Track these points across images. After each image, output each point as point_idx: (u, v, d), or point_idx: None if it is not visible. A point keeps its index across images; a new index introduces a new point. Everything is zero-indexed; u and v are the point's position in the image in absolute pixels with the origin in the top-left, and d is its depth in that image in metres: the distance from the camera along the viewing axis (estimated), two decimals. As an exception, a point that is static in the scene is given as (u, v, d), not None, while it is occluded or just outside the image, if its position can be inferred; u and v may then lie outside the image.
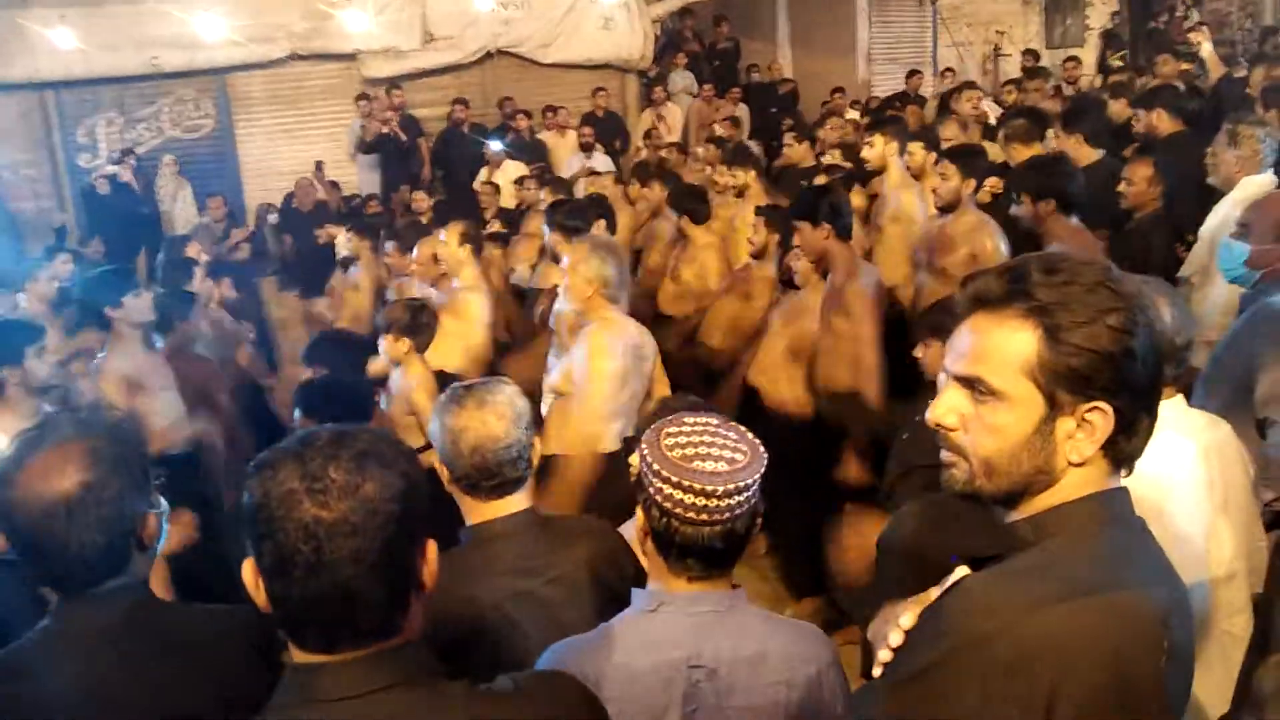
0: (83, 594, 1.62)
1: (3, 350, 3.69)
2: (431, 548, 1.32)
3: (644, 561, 1.97)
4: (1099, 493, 1.29)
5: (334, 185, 10.63)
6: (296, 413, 3.39)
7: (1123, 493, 1.32)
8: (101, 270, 4.59)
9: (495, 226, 7.65)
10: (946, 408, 1.33)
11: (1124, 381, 1.25)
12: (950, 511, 1.91)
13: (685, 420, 1.78)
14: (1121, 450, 1.29)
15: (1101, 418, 1.26)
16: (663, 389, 3.86)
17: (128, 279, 4.47)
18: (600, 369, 3.57)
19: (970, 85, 9.21)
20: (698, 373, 5.05)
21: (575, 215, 4.38)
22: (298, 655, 1.28)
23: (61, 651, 1.59)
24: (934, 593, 1.37)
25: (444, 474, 2.15)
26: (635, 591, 1.83)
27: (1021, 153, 5.65)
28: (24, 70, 10.52)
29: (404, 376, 4.21)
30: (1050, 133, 6.18)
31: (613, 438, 3.58)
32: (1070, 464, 1.27)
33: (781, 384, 4.68)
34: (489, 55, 11.72)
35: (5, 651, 1.60)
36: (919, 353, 3.31)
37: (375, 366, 4.48)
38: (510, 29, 11.61)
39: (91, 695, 1.56)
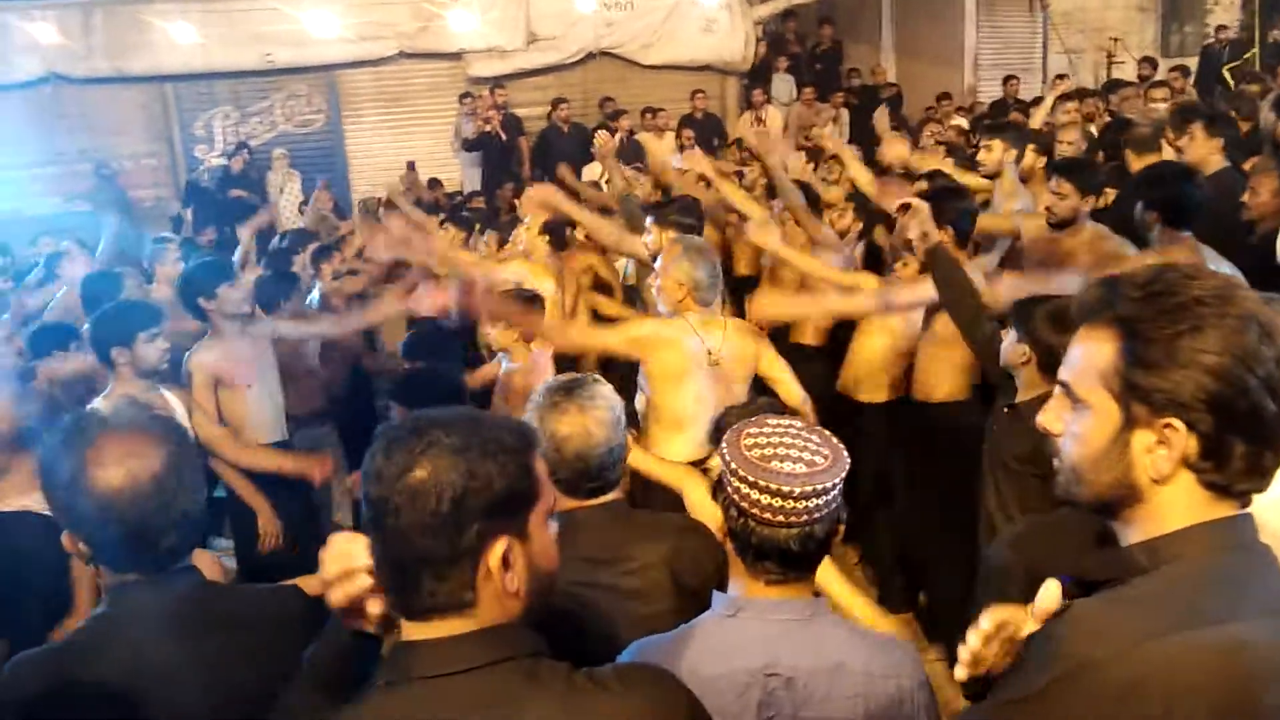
0: (148, 577, 1.65)
1: (117, 331, 3.76)
2: (505, 545, 1.32)
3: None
4: (1220, 520, 1.25)
5: (435, 182, 10.82)
6: (392, 405, 3.45)
7: (1245, 520, 1.27)
8: (200, 261, 4.66)
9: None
10: (1052, 413, 1.36)
11: (1209, 403, 1.20)
12: (1060, 532, 1.86)
13: (768, 421, 1.77)
14: (1210, 475, 1.23)
15: (1176, 436, 1.23)
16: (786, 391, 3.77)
17: (225, 270, 4.53)
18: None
19: (1086, 93, 8.98)
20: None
21: (687, 212, 4.37)
22: (405, 631, 1.34)
23: (122, 635, 1.63)
24: (1022, 611, 1.36)
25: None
26: (716, 595, 1.82)
27: (1139, 161, 5.51)
28: (145, 64, 11.02)
29: (512, 364, 4.28)
30: (1162, 141, 5.99)
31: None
32: (1153, 481, 1.25)
33: (872, 389, 4.64)
34: (590, 56, 11.84)
35: (68, 638, 1.65)
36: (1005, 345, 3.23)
37: (484, 371, 4.56)
38: (612, 30, 11.70)
39: (152, 677, 1.59)
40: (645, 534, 2.20)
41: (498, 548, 1.31)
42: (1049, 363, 3.01)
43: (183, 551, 1.68)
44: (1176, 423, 1.22)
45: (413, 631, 1.33)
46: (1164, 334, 1.21)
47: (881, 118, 7.24)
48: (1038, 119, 7.35)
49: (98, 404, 3.75)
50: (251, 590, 1.86)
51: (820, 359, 5.04)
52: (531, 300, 4.40)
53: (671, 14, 11.70)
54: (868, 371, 4.63)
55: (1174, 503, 1.25)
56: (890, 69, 12.82)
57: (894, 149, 6.05)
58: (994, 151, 5.38)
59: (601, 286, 5.94)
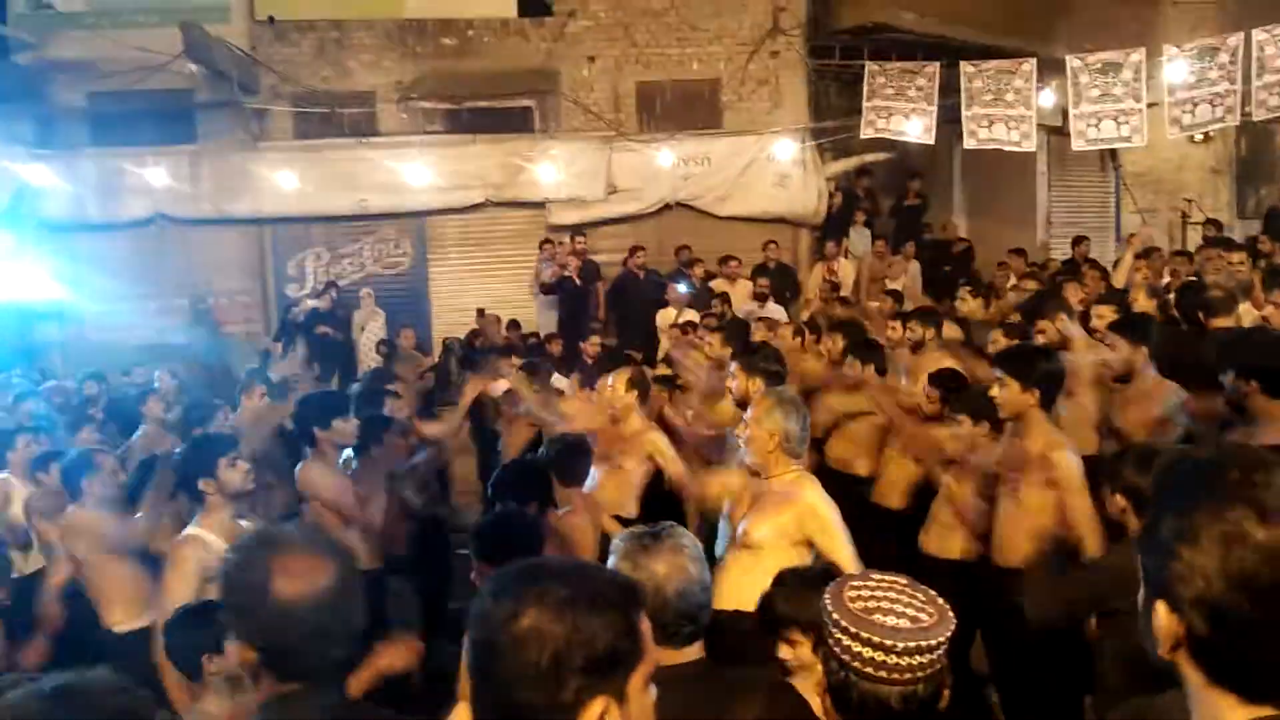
0: (308, 688, 1.71)
1: (200, 464, 3.92)
2: (603, 705, 1.31)
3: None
4: None
5: (515, 324, 11.11)
6: (473, 556, 3.32)
7: None
8: (319, 392, 4.86)
9: (662, 369, 7.81)
10: None
11: (1193, 601, 1.15)
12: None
13: (872, 576, 1.78)
14: (1210, 672, 1.16)
15: (1162, 619, 1.18)
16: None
17: (342, 403, 4.71)
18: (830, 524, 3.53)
19: (1155, 251, 9.01)
20: (874, 534, 4.94)
21: (774, 360, 4.45)
22: None
23: None
24: None
25: None
26: None
27: (1214, 323, 5.50)
28: (248, 207, 11.66)
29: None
30: (1243, 307, 5.98)
31: None
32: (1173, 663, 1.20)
33: (954, 551, 4.56)
34: (667, 206, 12.21)
35: None
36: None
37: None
38: (689, 183, 12.10)
39: None
40: (737, 693, 2.18)
41: (595, 708, 1.29)
42: (1140, 505, 3.08)
43: (347, 665, 1.76)
44: (1161, 606, 1.18)
45: None
46: (1164, 516, 1.19)
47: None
48: (1120, 278, 7.39)
49: (192, 532, 3.88)
50: (387, 714, 1.91)
51: (903, 523, 5.00)
52: (574, 448, 4.44)
53: (746, 170, 12.06)
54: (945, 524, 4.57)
55: (1209, 694, 1.17)
56: (961, 225, 12.98)
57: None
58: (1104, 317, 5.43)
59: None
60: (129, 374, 9.49)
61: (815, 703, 2.26)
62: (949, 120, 10.32)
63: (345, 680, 1.79)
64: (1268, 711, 1.13)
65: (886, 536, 4.89)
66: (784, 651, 2.70)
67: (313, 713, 1.70)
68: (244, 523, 4.04)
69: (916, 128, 10.27)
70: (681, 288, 10.79)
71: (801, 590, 2.71)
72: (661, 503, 5.37)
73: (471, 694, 1.36)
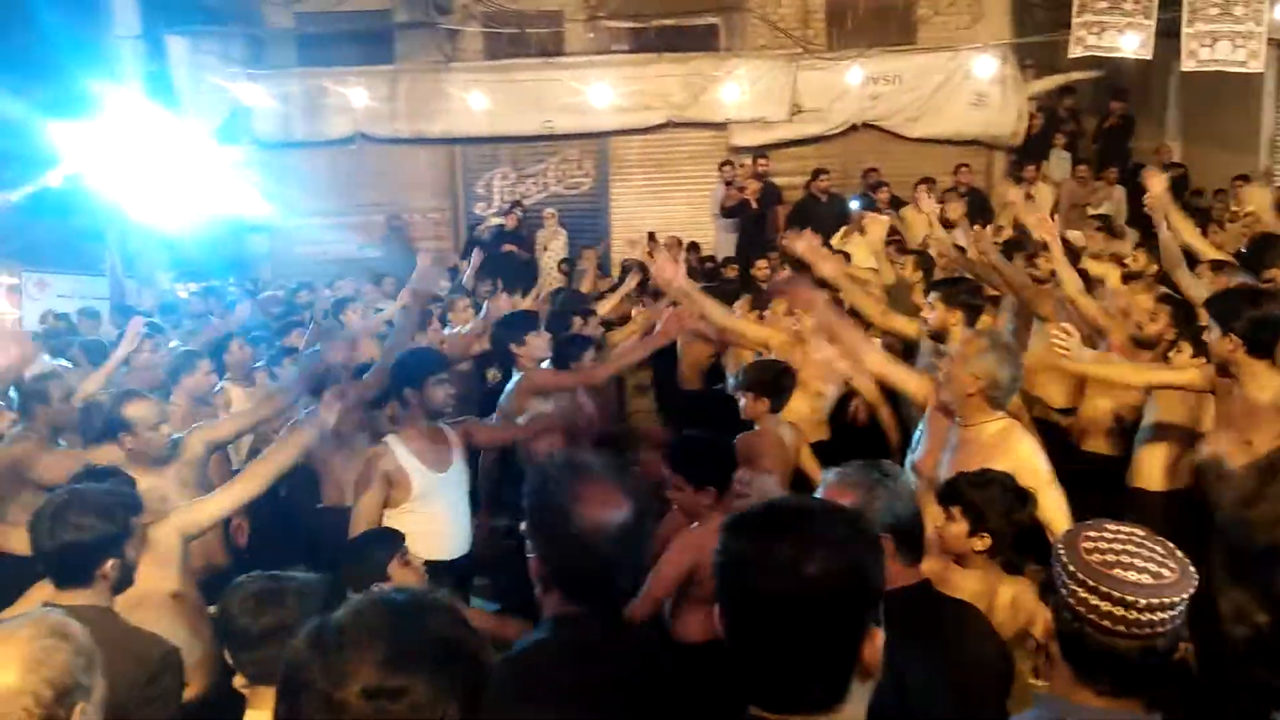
0: (593, 610, 1.79)
1: (410, 374, 4.14)
2: (878, 635, 1.33)
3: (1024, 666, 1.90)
4: None
5: (694, 246, 11.09)
6: (665, 468, 3.37)
7: None
8: (512, 312, 5.05)
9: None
10: None
11: None
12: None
13: (1108, 526, 1.71)
14: None
15: None
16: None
17: (533, 320, 4.88)
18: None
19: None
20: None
21: (976, 294, 4.27)
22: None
23: (562, 661, 1.76)
24: None
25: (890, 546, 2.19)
26: (1037, 696, 1.77)
27: None
28: (440, 127, 12.02)
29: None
30: None
31: None
32: None
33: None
34: (853, 128, 11.86)
35: (514, 655, 1.79)
36: None
37: None
38: (878, 103, 11.70)
39: (584, 704, 1.70)
40: (958, 618, 2.26)
41: (876, 639, 1.32)
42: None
43: (629, 594, 1.85)
44: None
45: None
46: None
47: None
48: None
49: (390, 439, 4.12)
50: (659, 643, 1.99)
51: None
52: (781, 372, 4.42)
53: (940, 87, 11.54)
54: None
55: None
56: (1176, 149, 12.06)
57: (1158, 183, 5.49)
58: None
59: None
60: (332, 286, 10.04)
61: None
62: (1164, 34, 9.54)
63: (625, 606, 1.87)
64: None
65: (1089, 479, 4.70)
66: (938, 519, 2.81)
67: (595, 636, 1.77)
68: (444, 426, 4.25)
69: (1133, 42, 9.53)
70: (854, 204, 10.50)
71: (981, 479, 2.88)
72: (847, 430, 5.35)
73: (732, 641, 1.35)
